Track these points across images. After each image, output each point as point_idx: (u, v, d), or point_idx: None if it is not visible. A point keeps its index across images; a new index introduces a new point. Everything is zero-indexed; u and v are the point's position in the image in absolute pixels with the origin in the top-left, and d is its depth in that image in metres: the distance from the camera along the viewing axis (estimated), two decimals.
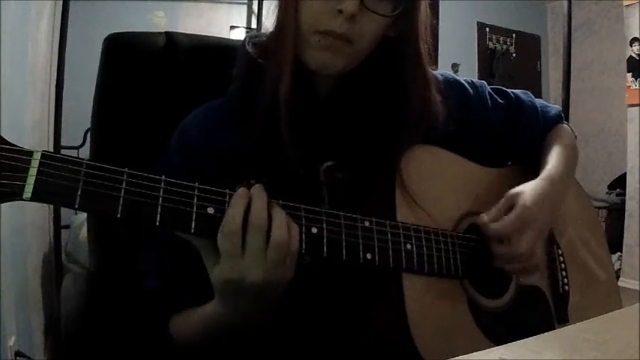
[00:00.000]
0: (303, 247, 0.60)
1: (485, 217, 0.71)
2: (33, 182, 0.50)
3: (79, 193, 0.51)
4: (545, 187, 0.75)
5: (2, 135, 0.51)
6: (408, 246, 0.65)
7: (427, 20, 0.73)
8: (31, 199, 0.50)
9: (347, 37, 0.66)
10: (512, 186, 0.78)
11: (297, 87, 0.69)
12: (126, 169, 0.54)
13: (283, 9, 0.69)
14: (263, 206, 0.57)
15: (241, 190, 0.57)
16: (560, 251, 0.83)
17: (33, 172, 0.50)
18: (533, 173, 0.83)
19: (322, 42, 0.66)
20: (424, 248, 0.67)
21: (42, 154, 0.51)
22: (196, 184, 0.56)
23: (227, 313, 0.63)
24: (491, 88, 0.88)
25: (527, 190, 0.73)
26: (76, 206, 0.51)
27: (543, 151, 0.85)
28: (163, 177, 0.55)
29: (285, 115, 0.67)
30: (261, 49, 0.74)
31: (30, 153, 0.50)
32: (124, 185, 0.53)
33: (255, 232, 0.55)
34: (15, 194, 0.49)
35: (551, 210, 0.75)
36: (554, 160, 0.81)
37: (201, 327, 0.67)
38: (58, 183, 0.50)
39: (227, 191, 0.57)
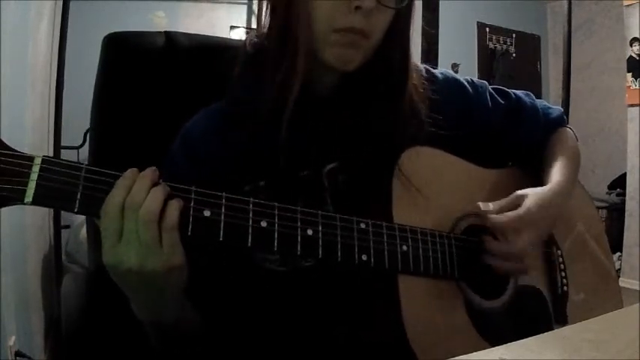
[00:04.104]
0: (299, 248, 0.59)
1: (487, 206, 0.71)
2: (34, 187, 0.50)
3: (78, 197, 0.52)
4: (551, 196, 0.75)
5: (2, 138, 0.51)
6: (404, 247, 0.65)
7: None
8: (32, 204, 0.51)
9: (365, 32, 0.67)
10: (512, 187, 0.77)
11: (301, 87, 0.69)
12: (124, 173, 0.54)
13: (289, 11, 0.68)
14: (144, 187, 0.53)
15: (129, 171, 0.54)
16: (559, 252, 0.83)
17: (34, 176, 0.51)
18: (533, 175, 0.83)
19: (343, 39, 0.67)
20: (420, 250, 0.67)
21: (42, 159, 0.51)
22: (193, 188, 0.56)
23: (136, 309, 0.61)
24: (492, 89, 0.88)
25: (534, 194, 0.73)
26: (76, 210, 0.52)
27: (546, 158, 0.84)
28: (161, 181, 0.55)
29: (290, 115, 0.68)
30: (260, 50, 0.74)
31: (31, 158, 0.51)
32: None
33: (128, 213, 0.52)
34: (16, 199, 0.50)
35: (552, 219, 0.76)
36: (558, 168, 0.81)
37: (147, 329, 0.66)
38: (58, 187, 0.51)
39: (223, 194, 0.57)
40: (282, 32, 0.69)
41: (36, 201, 0.50)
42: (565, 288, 0.81)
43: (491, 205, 0.72)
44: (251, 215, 0.58)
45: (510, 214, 0.70)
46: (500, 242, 0.70)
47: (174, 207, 0.54)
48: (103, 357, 0.79)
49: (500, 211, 0.71)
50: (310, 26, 0.67)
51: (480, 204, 0.72)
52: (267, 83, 0.69)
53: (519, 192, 0.74)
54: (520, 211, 0.71)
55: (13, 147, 0.52)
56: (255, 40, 0.76)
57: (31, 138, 1.77)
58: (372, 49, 0.70)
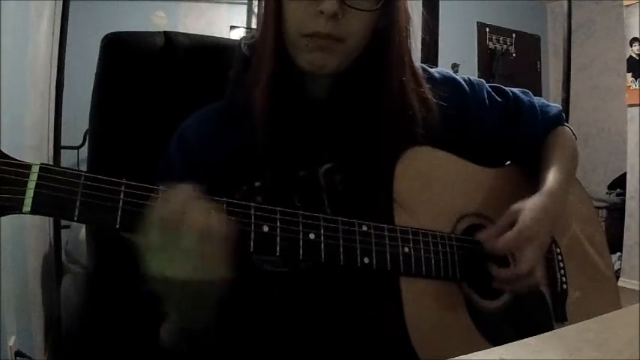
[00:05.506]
0: (301, 253, 0.59)
1: (483, 234, 0.71)
2: (32, 196, 0.50)
3: (77, 205, 0.51)
4: (546, 203, 0.74)
5: (2, 137, 0.51)
6: (406, 249, 0.65)
7: (407, 12, 0.74)
8: (30, 213, 0.50)
9: (334, 36, 0.66)
10: (511, 186, 0.77)
11: (290, 90, 0.70)
12: (123, 180, 0.54)
13: (266, 15, 0.70)
14: (183, 200, 0.54)
15: (167, 187, 0.55)
16: (558, 250, 0.82)
17: (32, 185, 0.50)
18: (532, 173, 0.83)
19: (311, 44, 0.66)
20: (422, 251, 0.67)
21: (40, 166, 0.51)
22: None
23: (171, 316, 0.62)
24: (489, 87, 0.87)
25: (528, 207, 0.72)
26: (75, 219, 0.51)
27: (543, 157, 0.84)
28: (160, 187, 0.55)
29: (261, 118, 0.68)
30: (253, 52, 0.74)
31: (28, 166, 0.51)
32: (121, 196, 0.53)
33: (172, 225, 0.53)
34: (14, 208, 0.50)
35: (551, 226, 0.74)
36: (554, 171, 0.80)
37: (167, 333, 0.66)
38: (56, 196, 0.51)
39: (224, 200, 0.57)
40: (263, 35, 0.70)
41: (34, 210, 0.50)
42: (564, 286, 0.81)
43: (487, 232, 0.71)
44: (253, 220, 0.58)
45: (508, 235, 0.69)
46: (506, 269, 0.70)
47: (217, 220, 0.54)
48: (102, 357, 0.79)
49: (499, 232, 0.70)
50: (280, 30, 0.67)
51: (479, 234, 0.71)
52: (243, 85, 0.70)
53: (515, 206, 0.72)
54: (517, 228, 0.69)
55: (14, 145, 0.51)
56: (251, 41, 0.76)
57: (31, 138, 1.77)
58: (352, 52, 0.69)
